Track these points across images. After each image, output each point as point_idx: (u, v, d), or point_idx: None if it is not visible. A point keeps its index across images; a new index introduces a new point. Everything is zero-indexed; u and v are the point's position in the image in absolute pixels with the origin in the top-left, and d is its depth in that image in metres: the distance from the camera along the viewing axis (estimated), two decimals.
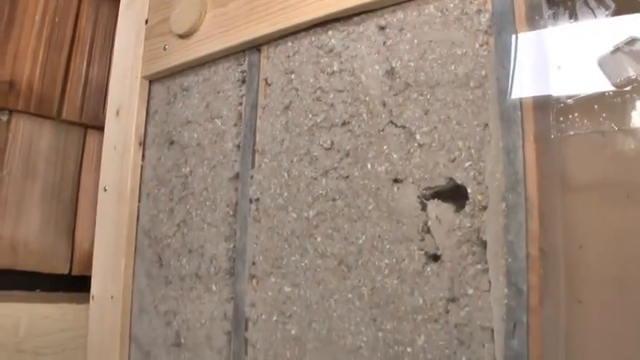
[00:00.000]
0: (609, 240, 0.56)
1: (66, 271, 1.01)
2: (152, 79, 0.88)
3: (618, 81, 0.53)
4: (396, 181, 0.58)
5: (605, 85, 0.53)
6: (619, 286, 0.55)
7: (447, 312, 0.54)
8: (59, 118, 1.01)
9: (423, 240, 0.56)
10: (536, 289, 0.51)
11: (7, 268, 0.96)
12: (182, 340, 0.77)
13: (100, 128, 1.05)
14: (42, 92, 0.99)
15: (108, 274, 0.85)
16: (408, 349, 0.56)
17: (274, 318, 0.66)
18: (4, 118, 0.97)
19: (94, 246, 0.97)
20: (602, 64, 0.53)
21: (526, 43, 0.56)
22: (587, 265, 0.56)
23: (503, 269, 0.52)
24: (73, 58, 1.04)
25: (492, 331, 0.52)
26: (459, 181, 0.55)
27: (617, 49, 0.52)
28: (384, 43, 0.63)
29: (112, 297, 0.84)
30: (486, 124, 0.55)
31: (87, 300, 1.00)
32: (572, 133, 0.53)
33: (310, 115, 0.67)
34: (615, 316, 0.55)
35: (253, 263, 0.69)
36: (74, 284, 1.02)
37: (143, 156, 0.87)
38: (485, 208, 0.53)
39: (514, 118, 0.54)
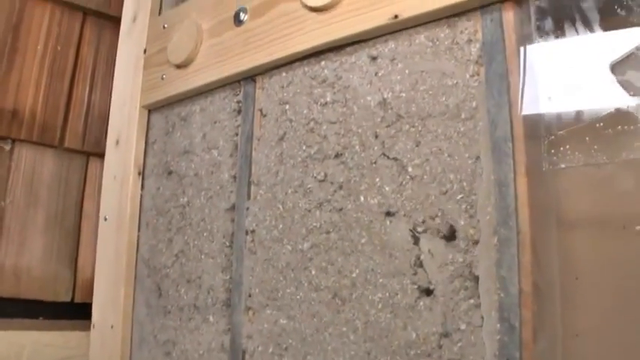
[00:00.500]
0: (606, 271, 0.55)
1: (68, 299, 1.02)
2: (151, 109, 0.89)
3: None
4: (388, 214, 0.58)
5: (595, 116, 0.52)
6: (617, 317, 0.55)
7: (440, 347, 0.53)
8: (61, 146, 1.03)
9: (415, 274, 0.55)
10: (529, 325, 0.50)
11: (11, 296, 0.96)
12: None
13: (102, 155, 1.06)
14: (44, 121, 1.01)
15: (108, 303, 0.86)
16: None
17: (270, 350, 0.66)
18: (7, 147, 0.99)
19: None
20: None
21: (516, 73, 0.56)
22: (583, 296, 0.55)
23: (496, 304, 0.51)
24: (76, 85, 1.05)
25: None
26: (449, 216, 0.54)
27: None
28: (376, 73, 0.63)
29: (112, 326, 0.84)
30: (478, 157, 0.54)
31: (89, 327, 1.01)
32: (563, 166, 0.53)
33: (304, 147, 0.67)
34: (613, 349, 0.54)
35: (249, 295, 0.69)
36: (77, 311, 1.03)
37: (142, 186, 0.87)
38: (477, 242, 0.52)
39: (505, 150, 0.53)
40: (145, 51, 0.90)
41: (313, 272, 0.63)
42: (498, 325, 0.51)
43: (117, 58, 0.95)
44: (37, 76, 1.01)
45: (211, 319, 0.73)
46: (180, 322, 0.77)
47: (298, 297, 0.64)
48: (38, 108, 1.01)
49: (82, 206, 1.05)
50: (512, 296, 0.50)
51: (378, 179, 0.60)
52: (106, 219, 0.89)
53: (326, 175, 0.64)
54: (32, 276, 0.98)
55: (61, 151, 1.03)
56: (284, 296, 0.65)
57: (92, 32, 1.10)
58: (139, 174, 0.86)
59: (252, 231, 0.70)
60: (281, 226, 0.67)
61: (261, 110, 0.73)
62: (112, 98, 0.94)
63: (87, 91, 1.07)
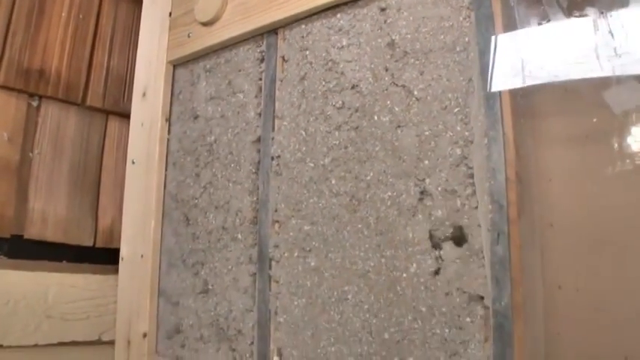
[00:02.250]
0: (574, 173, 0.69)
1: (90, 243, 1.10)
2: (176, 64, 1.00)
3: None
4: (398, 127, 0.71)
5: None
6: (584, 213, 0.69)
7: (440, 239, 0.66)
8: (84, 105, 1.12)
9: (419, 173, 0.69)
10: (514, 205, 0.64)
11: (39, 238, 1.05)
12: (210, 287, 0.87)
13: (120, 114, 1.16)
14: (69, 80, 1.10)
15: (137, 236, 0.95)
16: (404, 275, 0.68)
17: (295, 254, 0.77)
18: (35, 104, 1.08)
19: (117, 219, 1.08)
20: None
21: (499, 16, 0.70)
22: (556, 195, 0.69)
23: (488, 190, 0.64)
24: (96, 51, 1.15)
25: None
26: (449, 124, 0.68)
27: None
28: (385, 21, 0.77)
29: (141, 256, 0.94)
30: (470, 79, 0.68)
31: (109, 272, 1.10)
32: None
33: (323, 82, 0.80)
34: (582, 238, 0.68)
35: (276, 210, 0.80)
36: (97, 256, 1.11)
37: (169, 131, 0.98)
38: (471, 142, 0.66)
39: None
40: (170, 14, 1.01)
41: (333, 182, 0.75)
42: (490, 206, 0.64)
43: (142, 20, 1.06)
44: (61, 40, 1.11)
45: (239, 236, 0.84)
46: (208, 244, 0.88)
47: (320, 204, 0.76)
48: (63, 68, 1.10)
49: (102, 160, 1.14)
50: (500, 183, 0.64)
51: (389, 102, 0.73)
52: (133, 162, 0.99)
53: (343, 103, 0.77)
54: (58, 221, 1.07)
55: (83, 108, 1.12)
56: (307, 206, 0.77)
57: (110, 5, 1.20)
58: (166, 120, 0.97)
59: (278, 156, 0.82)
60: (304, 148, 0.79)
61: (283, 57, 0.86)
62: (138, 56, 1.04)
63: (106, 57, 1.16)
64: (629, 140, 0.66)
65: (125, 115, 1.13)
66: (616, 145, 0.67)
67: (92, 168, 1.13)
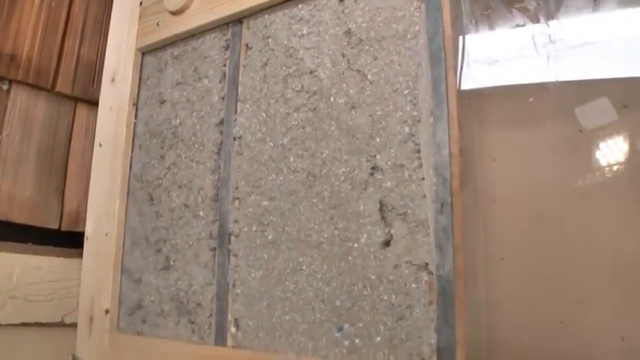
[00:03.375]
0: (516, 153, 0.75)
1: (56, 226, 1.12)
2: (145, 52, 1.03)
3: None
4: (352, 107, 0.76)
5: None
6: (525, 190, 0.74)
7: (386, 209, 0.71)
8: (53, 90, 1.14)
9: (370, 150, 0.73)
10: (457, 178, 0.69)
11: (5, 219, 1.06)
12: (171, 263, 0.90)
13: (89, 101, 1.18)
14: (39, 66, 1.12)
15: (102, 215, 0.98)
16: (355, 245, 0.73)
17: (254, 228, 0.81)
18: (5, 87, 1.09)
19: (83, 203, 1.10)
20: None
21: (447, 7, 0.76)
22: (499, 173, 0.75)
23: (433, 164, 0.69)
24: (67, 39, 1.17)
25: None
26: (399, 105, 0.73)
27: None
28: (343, 11, 0.82)
29: (106, 234, 0.96)
30: (419, 64, 0.73)
31: (74, 255, 1.11)
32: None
33: (284, 68, 0.84)
34: (522, 213, 0.73)
35: (236, 188, 0.84)
36: (63, 240, 1.13)
37: (136, 115, 1.01)
38: (419, 120, 0.71)
39: (439, 57, 0.72)
40: (140, 3, 1.04)
41: (291, 159, 0.79)
42: (434, 179, 0.69)
43: (113, 7, 1.09)
44: (33, 26, 1.13)
45: (201, 213, 0.88)
46: (171, 221, 0.91)
47: (278, 181, 0.80)
48: (34, 54, 1.12)
49: (69, 145, 1.16)
50: (444, 157, 0.69)
51: (344, 85, 0.78)
52: (101, 145, 1.01)
53: (302, 87, 0.81)
54: (24, 202, 1.08)
55: (52, 94, 1.14)
56: (266, 183, 0.81)
57: None
58: (134, 105, 1.00)
59: (240, 137, 0.86)
60: (264, 129, 0.83)
61: (247, 45, 0.90)
62: (108, 43, 1.07)
63: (77, 44, 1.19)
64: (566, 123, 0.72)
65: (94, 103, 1.15)
66: (554, 128, 0.73)
67: (60, 153, 1.14)
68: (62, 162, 1.15)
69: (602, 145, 0.70)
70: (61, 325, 1.10)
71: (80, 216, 1.13)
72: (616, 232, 0.68)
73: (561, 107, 0.72)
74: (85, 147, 1.17)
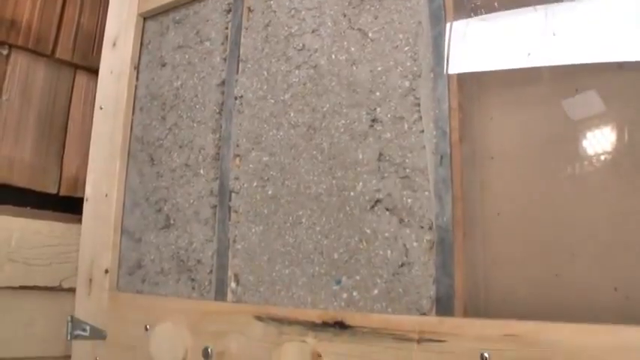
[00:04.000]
0: (513, 113, 0.76)
1: (55, 191, 1.12)
2: (146, 17, 1.04)
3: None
4: (353, 64, 0.77)
5: None
6: (522, 147, 0.75)
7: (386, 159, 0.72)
8: (53, 57, 1.14)
9: (371, 103, 0.74)
10: (457, 131, 0.70)
11: (4, 182, 1.06)
12: (171, 222, 0.91)
13: (88, 69, 1.19)
14: (39, 32, 1.12)
15: (102, 176, 0.98)
16: (352, 193, 0.74)
17: (254, 184, 0.82)
18: (5, 52, 1.09)
19: (82, 169, 1.10)
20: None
21: None
22: (497, 131, 0.76)
23: (433, 118, 0.71)
24: (67, 6, 1.17)
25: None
26: (399, 61, 0.74)
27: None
28: None
29: (106, 195, 0.97)
30: (420, 22, 0.75)
31: (73, 220, 1.12)
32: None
33: (286, 28, 0.85)
34: (519, 170, 0.75)
35: (237, 145, 0.85)
36: (61, 205, 1.13)
37: (137, 78, 1.01)
38: (419, 75, 0.72)
39: (439, 15, 0.74)
40: None
41: (292, 114, 0.80)
42: (434, 132, 0.70)
43: None
44: None
45: (202, 172, 0.88)
46: (172, 181, 0.92)
47: (279, 136, 0.81)
48: (34, 21, 1.12)
49: (69, 112, 1.16)
50: (443, 111, 0.70)
51: (345, 43, 0.79)
52: (101, 108, 1.02)
53: (304, 45, 0.82)
54: (24, 166, 1.08)
55: (52, 61, 1.15)
56: (267, 139, 0.82)
57: None
58: (135, 68, 1.00)
59: (241, 96, 0.86)
60: (265, 86, 0.84)
61: (249, 7, 0.91)
62: (109, 8, 1.08)
63: (77, 12, 1.19)
64: (563, 81, 0.73)
65: (93, 70, 1.16)
66: (551, 86, 0.74)
67: (59, 119, 1.15)
68: (62, 128, 1.15)
69: None
70: (59, 289, 1.10)
71: (79, 182, 1.13)
72: (611, 186, 0.70)
73: (559, 66, 0.74)
74: (84, 114, 1.17)
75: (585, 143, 0.72)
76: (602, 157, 0.71)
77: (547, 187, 0.73)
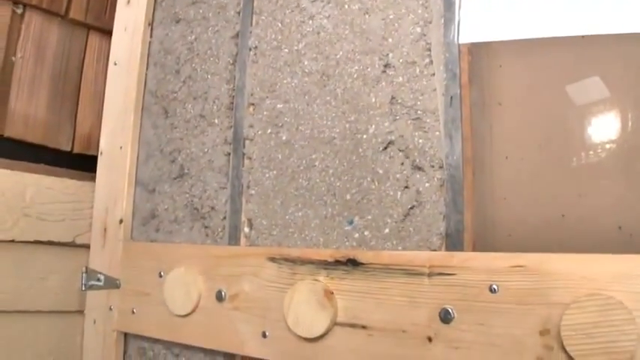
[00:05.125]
0: (522, 60, 0.78)
1: (69, 148, 1.14)
2: None
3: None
4: (366, 13, 0.79)
5: None
6: (530, 93, 0.77)
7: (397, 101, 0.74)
8: (67, 17, 1.16)
9: (383, 49, 0.76)
10: (466, 73, 0.72)
11: (19, 138, 1.08)
12: (185, 171, 0.93)
13: (102, 29, 1.20)
14: None
15: (117, 130, 1.00)
16: (364, 136, 0.76)
17: (269, 131, 0.84)
18: (19, 11, 1.11)
19: (96, 127, 1.12)
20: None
21: None
22: (505, 78, 0.78)
23: (443, 61, 0.72)
24: None
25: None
26: (411, 9, 0.76)
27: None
28: None
29: (120, 147, 0.99)
30: None
31: (86, 178, 1.14)
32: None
33: None
34: (526, 115, 0.77)
35: (251, 94, 0.87)
36: (75, 162, 1.15)
37: (151, 35, 1.03)
38: (430, 22, 0.74)
39: None
40: None
41: (306, 63, 0.82)
42: (444, 75, 0.72)
43: None
44: None
45: (216, 121, 0.90)
46: (186, 131, 0.94)
47: (293, 84, 0.83)
48: None
49: (82, 72, 1.18)
50: (454, 55, 0.72)
51: None
52: (115, 64, 1.04)
53: None
54: (38, 123, 1.10)
55: (66, 20, 1.16)
56: (281, 87, 0.84)
57: None
58: (149, 24, 1.02)
59: (255, 47, 0.88)
60: (280, 37, 0.86)
61: None
62: None
63: None
64: (571, 30, 0.75)
65: (106, 31, 1.18)
66: (558, 37, 0.76)
67: (72, 78, 1.17)
68: (75, 87, 1.17)
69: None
70: (73, 245, 1.12)
71: (92, 140, 1.15)
72: (616, 129, 0.72)
73: (567, 14, 0.75)
74: (97, 74, 1.19)
75: (592, 87, 0.74)
76: (608, 103, 0.73)
77: (554, 132, 0.75)
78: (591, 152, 0.73)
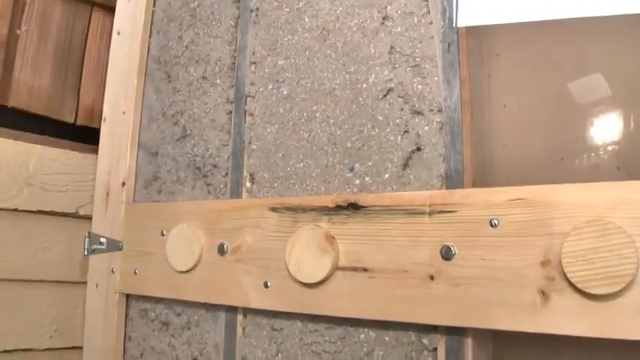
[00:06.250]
0: (520, 14, 0.79)
1: (72, 120, 1.16)
2: None
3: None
4: None
5: None
6: (527, 44, 0.79)
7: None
8: None
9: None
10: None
11: (23, 108, 1.10)
12: (188, 132, 0.94)
13: (105, 6, 1.23)
14: None
15: (120, 96, 1.02)
16: (364, 85, 0.77)
17: (270, 87, 0.85)
18: None
19: (98, 101, 1.14)
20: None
21: None
22: (502, 29, 0.80)
23: (440, 9, 0.74)
24: None
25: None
26: None
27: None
28: None
29: (123, 113, 1.00)
30: None
31: (89, 150, 1.15)
32: None
33: None
34: (524, 65, 0.78)
35: (253, 53, 0.89)
36: (78, 135, 1.17)
37: (154, 4, 1.05)
38: None
39: None
40: None
41: (306, 19, 0.84)
42: (442, 23, 0.74)
43: None
44: None
45: (218, 82, 0.92)
46: (188, 94, 0.95)
47: (294, 41, 0.84)
48: None
49: (85, 47, 1.20)
50: (451, 2, 0.74)
51: None
52: (119, 33, 1.05)
53: None
54: (41, 94, 1.12)
55: None
56: (282, 44, 0.85)
57: None
58: None
59: (256, 9, 0.90)
60: None
61: None
62: None
63: None
64: None
65: (109, 8, 1.20)
66: None
67: (76, 53, 1.19)
68: (78, 61, 1.19)
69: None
70: (76, 216, 1.13)
71: (95, 112, 1.17)
72: (613, 74, 0.73)
73: None
74: (100, 49, 1.21)
75: (588, 30, 0.75)
76: (605, 38, 0.74)
77: (551, 77, 0.77)
78: (589, 96, 0.74)
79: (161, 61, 1.01)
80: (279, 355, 0.81)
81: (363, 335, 0.73)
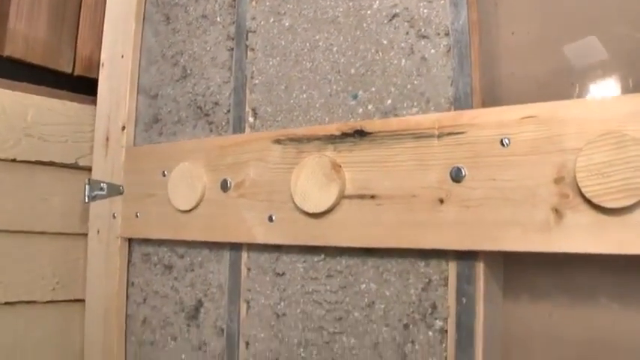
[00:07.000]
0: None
1: (69, 70, 1.14)
2: None
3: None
4: None
5: None
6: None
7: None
8: None
9: None
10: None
11: (19, 58, 1.07)
12: (188, 72, 0.92)
13: None
14: None
15: (118, 38, 0.99)
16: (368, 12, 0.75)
17: (271, 20, 0.83)
18: None
19: (96, 51, 1.11)
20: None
21: None
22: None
23: None
24: None
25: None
26: None
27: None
28: None
29: (122, 56, 0.98)
30: None
31: (87, 101, 1.13)
32: None
33: None
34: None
35: None
36: (75, 85, 1.14)
37: None
38: None
39: None
40: None
41: None
42: None
43: None
44: None
45: (218, 19, 0.90)
46: (188, 34, 0.93)
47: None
48: None
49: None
50: None
51: None
52: None
53: None
54: (38, 43, 1.10)
55: None
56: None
57: None
58: None
59: None
60: None
61: None
62: None
63: None
64: None
65: None
66: None
67: (72, 4, 1.16)
68: (75, 13, 1.16)
69: None
70: (75, 167, 1.11)
71: (93, 62, 1.14)
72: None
73: None
74: (97, 3, 1.18)
75: None
76: None
77: (560, 7, 0.75)
78: (599, 19, 0.72)
79: (159, 4, 0.99)
80: (282, 303, 0.80)
81: (364, 285, 0.72)
